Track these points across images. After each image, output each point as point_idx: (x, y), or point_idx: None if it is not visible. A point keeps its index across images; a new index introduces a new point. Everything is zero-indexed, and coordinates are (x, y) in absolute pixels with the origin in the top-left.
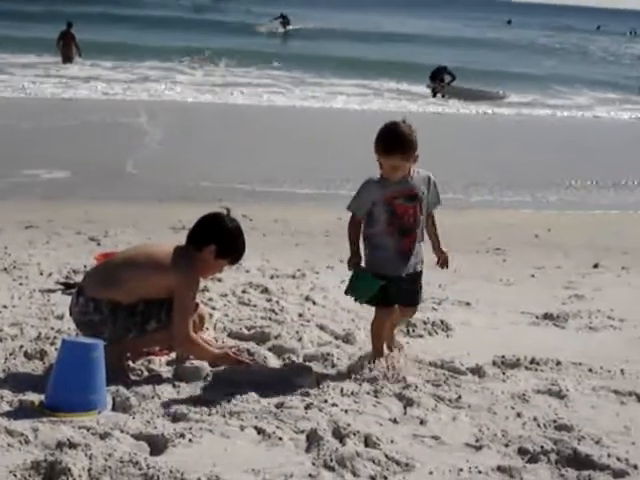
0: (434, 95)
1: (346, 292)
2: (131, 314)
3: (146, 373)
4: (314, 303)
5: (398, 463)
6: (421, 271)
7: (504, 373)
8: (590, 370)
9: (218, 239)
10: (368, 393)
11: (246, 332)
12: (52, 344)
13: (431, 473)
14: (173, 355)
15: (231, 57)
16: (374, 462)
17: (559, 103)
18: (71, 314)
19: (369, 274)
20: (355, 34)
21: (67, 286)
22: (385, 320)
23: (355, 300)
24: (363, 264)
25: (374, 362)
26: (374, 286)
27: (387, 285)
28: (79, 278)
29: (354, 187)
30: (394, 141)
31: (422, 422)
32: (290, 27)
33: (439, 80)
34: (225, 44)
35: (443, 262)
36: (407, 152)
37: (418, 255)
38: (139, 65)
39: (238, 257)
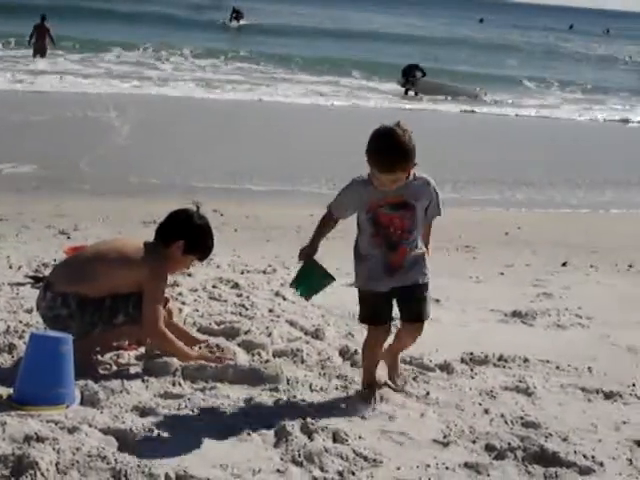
0: (406, 92)
1: (290, 284)
2: (98, 308)
3: (115, 367)
4: (284, 299)
5: (366, 459)
6: (424, 283)
7: (472, 370)
8: (557, 368)
9: (186, 235)
10: (337, 389)
11: (216, 327)
12: (21, 337)
13: (399, 469)
14: (142, 350)
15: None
16: (342, 458)
17: (529, 103)
18: (38, 308)
19: (318, 269)
20: (323, 31)
21: (36, 279)
22: (375, 341)
23: (300, 295)
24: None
25: (362, 389)
26: (321, 282)
27: (376, 301)
28: (48, 272)
29: (326, 184)
30: (395, 156)
31: (390, 418)
32: (243, 22)
33: (411, 76)
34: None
35: None
36: (409, 164)
37: (416, 267)
38: (107, 58)
39: (206, 253)
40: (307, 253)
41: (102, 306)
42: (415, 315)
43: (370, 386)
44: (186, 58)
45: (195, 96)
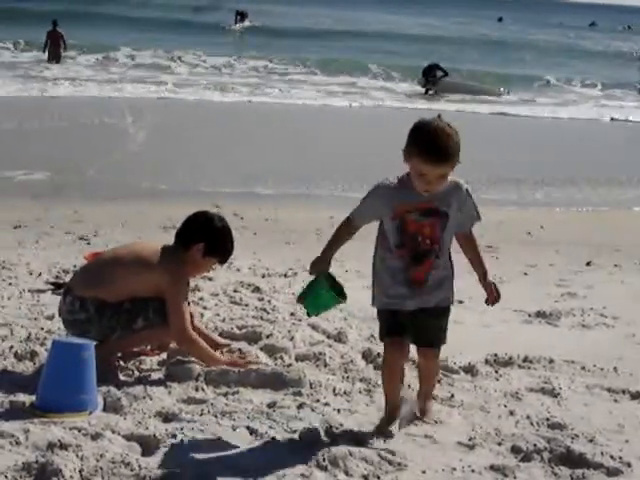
0: (426, 92)
1: (297, 299)
2: (117, 312)
3: (137, 373)
4: None
5: (391, 462)
6: (447, 307)
7: (497, 371)
8: (583, 368)
9: (206, 237)
10: (360, 392)
11: (237, 331)
12: (42, 344)
13: (424, 472)
14: (164, 355)
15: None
16: (367, 461)
17: (549, 101)
18: (60, 314)
19: (329, 287)
20: (331, 32)
21: (57, 286)
22: (393, 359)
23: (307, 313)
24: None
25: (385, 416)
26: (330, 302)
27: (394, 318)
28: (69, 278)
29: (344, 187)
30: (447, 146)
31: (415, 421)
32: (247, 24)
33: (431, 76)
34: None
35: (491, 297)
36: (456, 159)
37: (442, 287)
38: (119, 62)
39: (227, 256)
40: (319, 268)
41: (120, 310)
42: (429, 340)
43: (391, 414)
44: (198, 62)
45: (213, 99)
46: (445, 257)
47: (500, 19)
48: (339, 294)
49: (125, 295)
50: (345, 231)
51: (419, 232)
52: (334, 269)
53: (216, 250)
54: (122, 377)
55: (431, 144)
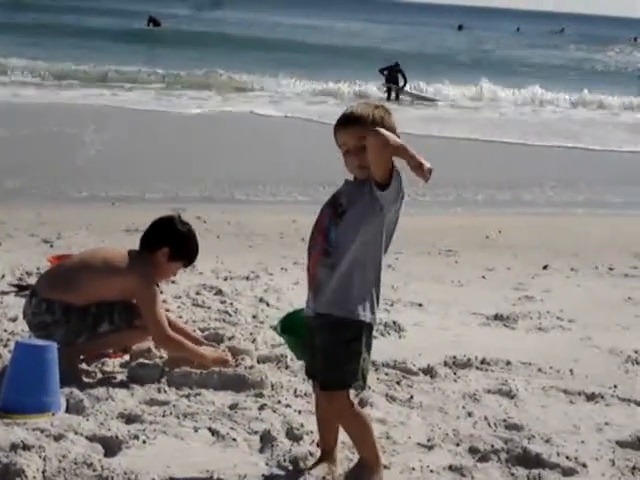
0: (388, 97)
1: (275, 326)
2: (83, 316)
3: (100, 375)
4: (268, 305)
5: (351, 461)
6: (332, 317)
7: (455, 373)
8: (540, 370)
9: (170, 241)
10: None
11: (200, 334)
12: (5, 346)
13: (381, 472)
14: (127, 357)
15: None
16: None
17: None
18: (25, 316)
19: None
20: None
21: (20, 288)
22: (316, 398)
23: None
24: None
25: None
26: (287, 342)
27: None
28: (32, 280)
29: (306, 192)
30: (351, 110)
31: (375, 422)
32: (161, 27)
33: (393, 82)
34: None
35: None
36: (364, 124)
37: (326, 289)
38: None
39: (191, 259)
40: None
41: (86, 314)
42: (316, 372)
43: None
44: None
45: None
46: (344, 261)
47: (460, 27)
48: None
49: (92, 299)
50: None
51: (317, 221)
52: (296, 273)
53: (180, 254)
54: (85, 379)
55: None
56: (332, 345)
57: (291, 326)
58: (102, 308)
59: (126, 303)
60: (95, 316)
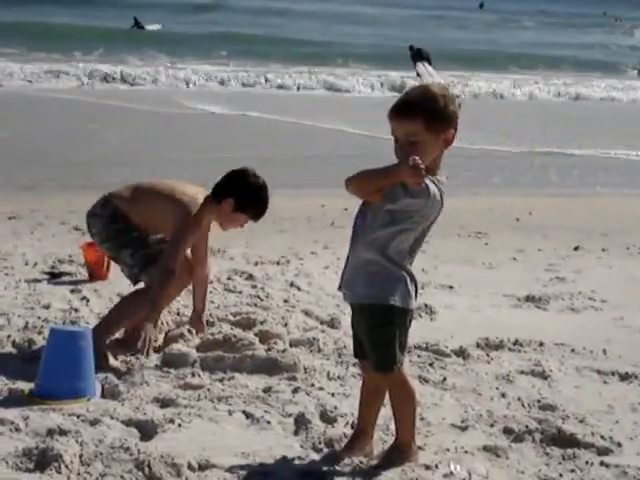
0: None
1: None
2: (122, 230)
3: (133, 360)
4: (299, 289)
5: (385, 443)
6: (370, 306)
7: (488, 355)
8: (573, 350)
9: (236, 193)
10: (354, 376)
11: (232, 318)
12: (39, 333)
13: (417, 453)
14: (160, 341)
15: None
16: None
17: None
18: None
19: None
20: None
21: (52, 276)
22: (364, 378)
23: None
24: None
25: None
26: None
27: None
28: (64, 268)
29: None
30: (407, 98)
31: None
32: (149, 27)
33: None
34: None
35: None
36: (424, 115)
37: (361, 279)
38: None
39: (258, 212)
40: None
41: (125, 231)
42: (365, 353)
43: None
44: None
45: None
46: (371, 245)
47: (481, 5)
48: None
49: (141, 219)
50: None
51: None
52: (326, 257)
53: (245, 206)
54: (119, 364)
55: (399, 98)
56: (376, 329)
57: None
58: (138, 240)
59: (155, 259)
60: (129, 239)
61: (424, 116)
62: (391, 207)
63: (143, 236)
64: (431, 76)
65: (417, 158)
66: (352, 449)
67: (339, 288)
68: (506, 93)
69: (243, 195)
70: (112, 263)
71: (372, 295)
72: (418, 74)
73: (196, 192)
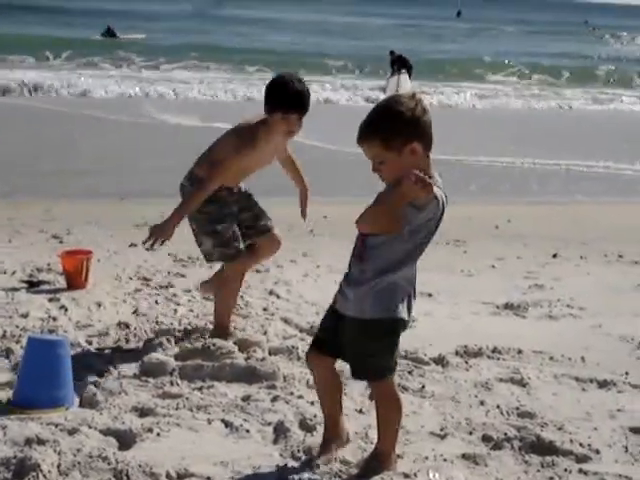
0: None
1: None
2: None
3: (112, 369)
4: (278, 297)
5: (365, 451)
6: (355, 320)
7: (467, 362)
8: (551, 358)
9: (271, 100)
10: None
11: (211, 327)
12: (17, 342)
13: (397, 462)
14: (139, 351)
15: None
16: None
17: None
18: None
19: None
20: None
21: (31, 284)
22: (319, 375)
23: None
24: None
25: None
26: None
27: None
28: (43, 276)
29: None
30: (365, 120)
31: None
32: (121, 36)
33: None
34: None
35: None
36: (384, 136)
37: (349, 292)
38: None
39: (294, 103)
40: None
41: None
42: (349, 363)
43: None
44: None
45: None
46: (368, 264)
47: (459, 14)
48: None
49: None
50: None
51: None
52: (306, 265)
53: (282, 102)
54: (97, 374)
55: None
56: (364, 343)
57: None
58: (214, 220)
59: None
60: (207, 218)
61: (380, 138)
62: (408, 228)
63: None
64: (398, 91)
65: (415, 171)
66: (329, 451)
67: (334, 303)
68: (477, 103)
69: (273, 92)
70: (90, 271)
71: (381, 310)
72: (383, 88)
73: (249, 120)
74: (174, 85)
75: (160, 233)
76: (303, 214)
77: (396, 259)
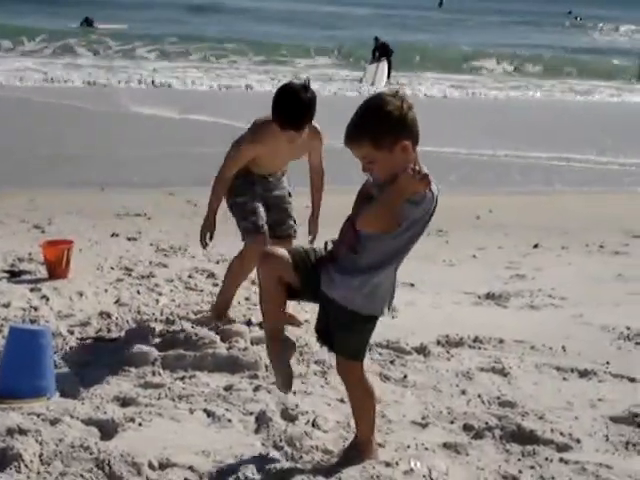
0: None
1: None
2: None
3: (93, 359)
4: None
5: (346, 440)
6: (341, 307)
7: (448, 352)
8: (532, 348)
9: (274, 105)
10: (316, 374)
11: (193, 317)
12: None
13: (377, 450)
14: (120, 340)
15: None
16: (322, 441)
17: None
18: None
19: None
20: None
21: (12, 274)
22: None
23: None
24: None
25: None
26: None
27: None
28: (24, 266)
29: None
30: (351, 123)
31: None
32: (99, 26)
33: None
34: None
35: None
36: (369, 138)
37: (337, 276)
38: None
39: (284, 118)
40: None
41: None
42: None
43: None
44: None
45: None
46: (361, 258)
47: (440, 4)
48: None
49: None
50: None
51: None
52: None
53: (279, 116)
54: (78, 364)
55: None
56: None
57: None
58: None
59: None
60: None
61: (369, 138)
62: (405, 224)
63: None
64: (375, 82)
65: (412, 166)
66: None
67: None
68: (454, 94)
69: (275, 107)
70: (72, 261)
71: (368, 308)
72: (361, 79)
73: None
74: (151, 74)
75: (204, 228)
76: (312, 232)
77: (390, 253)
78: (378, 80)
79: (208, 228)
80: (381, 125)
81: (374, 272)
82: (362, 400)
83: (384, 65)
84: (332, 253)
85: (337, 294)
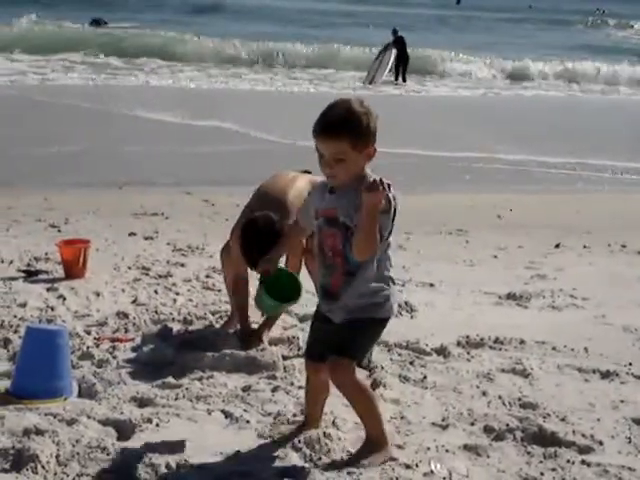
0: (396, 78)
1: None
2: None
3: (111, 359)
4: None
5: None
6: (355, 321)
7: (469, 353)
8: (554, 348)
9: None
10: None
11: (211, 317)
12: (15, 332)
13: (390, 448)
14: (137, 341)
15: None
16: (342, 442)
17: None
18: None
19: (269, 296)
20: None
21: (29, 274)
22: (309, 378)
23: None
24: None
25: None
26: (274, 310)
27: (312, 326)
28: (40, 265)
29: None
30: (335, 118)
31: (389, 402)
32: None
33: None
34: None
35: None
36: (353, 138)
37: (349, 301)
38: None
39: (244, 256)
40: (264, 268)
41: None
42: (334, 349)
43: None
44: None
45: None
46: (367, 273)
47: (458, 1)
48: (288, 296)
49: None
50: (294, 231)
51: (324, 242)
52: None
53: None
54: (95, 364)
55: (322, 114)
56: (352, 333)
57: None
58: None
59: None
60: None
61: (349, 137)
62: (386, 234)
63: None
64: (375, 76)
65: (374, 180)
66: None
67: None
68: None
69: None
70: (88, 261)
71: (377, 313)
72: (378, 59)
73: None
74: (167, 75)
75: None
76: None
77: (381, 260)
78: (379, 74)
79: (252, 343)
80: (362, 127)
81: (378, 283)
82: (362, 400)
83: (390, 56)
84: (327, 294)
85: (348, 316)
